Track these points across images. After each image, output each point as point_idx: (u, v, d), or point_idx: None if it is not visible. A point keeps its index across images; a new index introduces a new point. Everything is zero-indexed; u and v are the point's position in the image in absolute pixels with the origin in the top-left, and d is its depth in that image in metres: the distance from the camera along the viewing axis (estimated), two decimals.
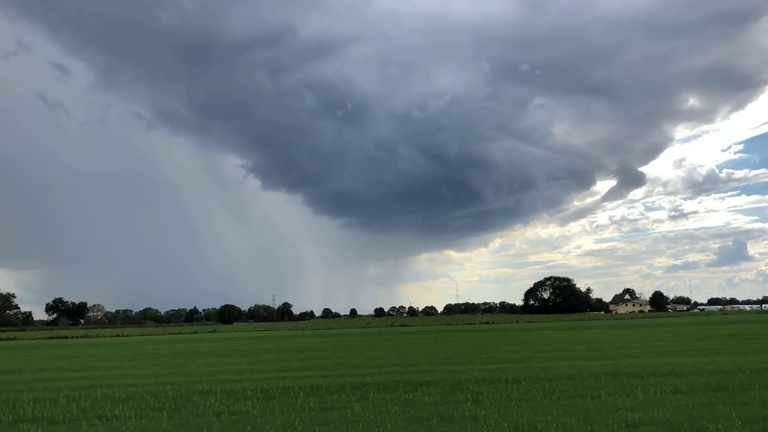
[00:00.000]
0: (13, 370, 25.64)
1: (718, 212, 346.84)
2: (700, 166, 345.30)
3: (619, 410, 11.53)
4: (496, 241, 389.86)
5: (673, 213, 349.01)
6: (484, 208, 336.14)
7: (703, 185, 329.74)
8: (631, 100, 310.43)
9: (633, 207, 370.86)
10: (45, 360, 32.54)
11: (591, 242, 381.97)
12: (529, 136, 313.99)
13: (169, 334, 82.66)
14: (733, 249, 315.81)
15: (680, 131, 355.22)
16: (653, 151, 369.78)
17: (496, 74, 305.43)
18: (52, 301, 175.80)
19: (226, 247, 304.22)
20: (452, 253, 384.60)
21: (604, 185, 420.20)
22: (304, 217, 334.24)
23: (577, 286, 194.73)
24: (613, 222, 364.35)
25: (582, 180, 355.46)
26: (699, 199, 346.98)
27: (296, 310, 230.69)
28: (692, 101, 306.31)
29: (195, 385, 17.65)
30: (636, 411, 11.38)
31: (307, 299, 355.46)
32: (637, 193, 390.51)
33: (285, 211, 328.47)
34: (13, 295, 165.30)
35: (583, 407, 11.93)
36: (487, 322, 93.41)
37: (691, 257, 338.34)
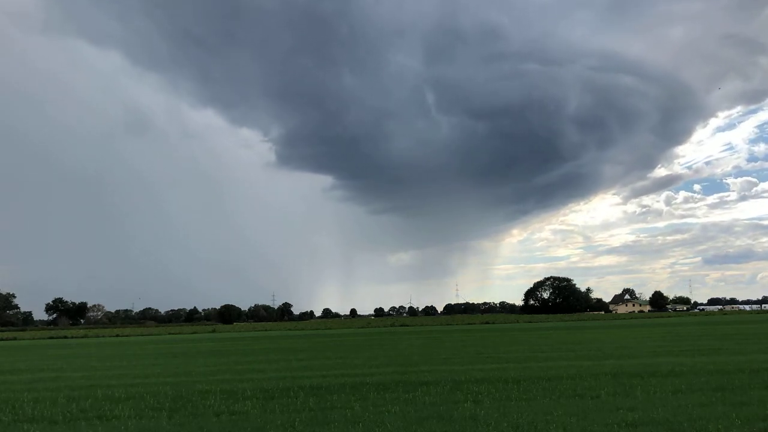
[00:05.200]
0: (13, 370, 25.64)
1: None
2: None
3: (619, 410, 11.52)
4: (530, 229, 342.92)
5: (744, 193, 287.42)
6: (527, 182, 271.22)
7: None
8: None
9: (694, 191, 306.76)
10: (45, 360, 32.54)
11: (626, 233, 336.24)
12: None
13: (169, 334, 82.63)
14: None
15: None
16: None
17: None
18: (52, 301, 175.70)
19: (226, 243, 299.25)
20: (486, 243, 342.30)
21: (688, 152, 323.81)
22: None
23: (576, 285, 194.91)
24: (670, 204, 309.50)
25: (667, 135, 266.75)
26: None
27: (296, 310, 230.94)
28: None
29: (195, 385, 17.65)
30: (636, 411, 11.37)
31: (316, 299, 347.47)
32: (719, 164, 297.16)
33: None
34: (13, 295, 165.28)
35: (583, 407, 11.93)
36: (487, 322, 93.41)
37: (730, 251, 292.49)
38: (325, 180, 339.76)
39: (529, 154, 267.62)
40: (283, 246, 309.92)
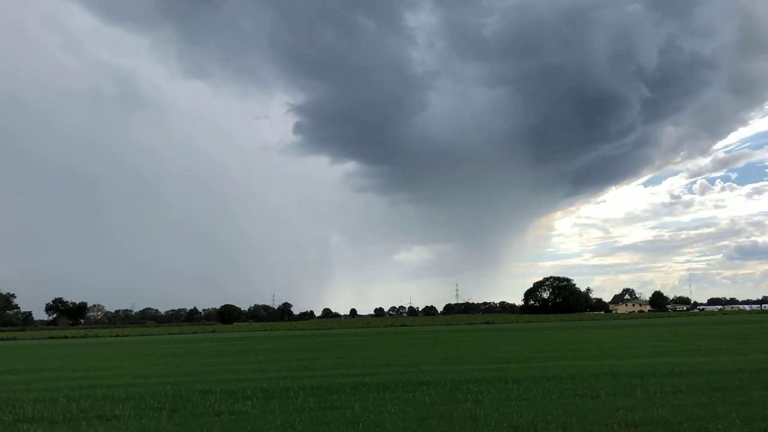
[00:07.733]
0: (13, 370, 25.63)
1: None
2: None
3: (619, 410, 11.53)
4: (547, 223, 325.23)
5: None
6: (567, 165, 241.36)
7: None
8: None
9: (728, 182, 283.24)
10: (45, 360, 32.54)
11: (643, 230, 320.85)
12: None
13: (169, 334, 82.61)
14: None
15: None
16: None
17: None
18: (52, 301, 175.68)
19: (226, 238, 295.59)
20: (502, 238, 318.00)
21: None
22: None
23: (576, 285, 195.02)
24: (704, 192, 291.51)
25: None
26: None
27: (296, 310, 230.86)
28: None
29: (195, 385, 17.65)
30: (636, 411, 11.38)
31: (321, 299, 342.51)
32: None
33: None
34: (13, 295, 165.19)
35: (582, 407, 11.93)
36: (487, 322, 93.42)
37: (756, 246, 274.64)
38: (341, 166, 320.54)
39: (563, 132, 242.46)
40: (282, 243, 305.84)
